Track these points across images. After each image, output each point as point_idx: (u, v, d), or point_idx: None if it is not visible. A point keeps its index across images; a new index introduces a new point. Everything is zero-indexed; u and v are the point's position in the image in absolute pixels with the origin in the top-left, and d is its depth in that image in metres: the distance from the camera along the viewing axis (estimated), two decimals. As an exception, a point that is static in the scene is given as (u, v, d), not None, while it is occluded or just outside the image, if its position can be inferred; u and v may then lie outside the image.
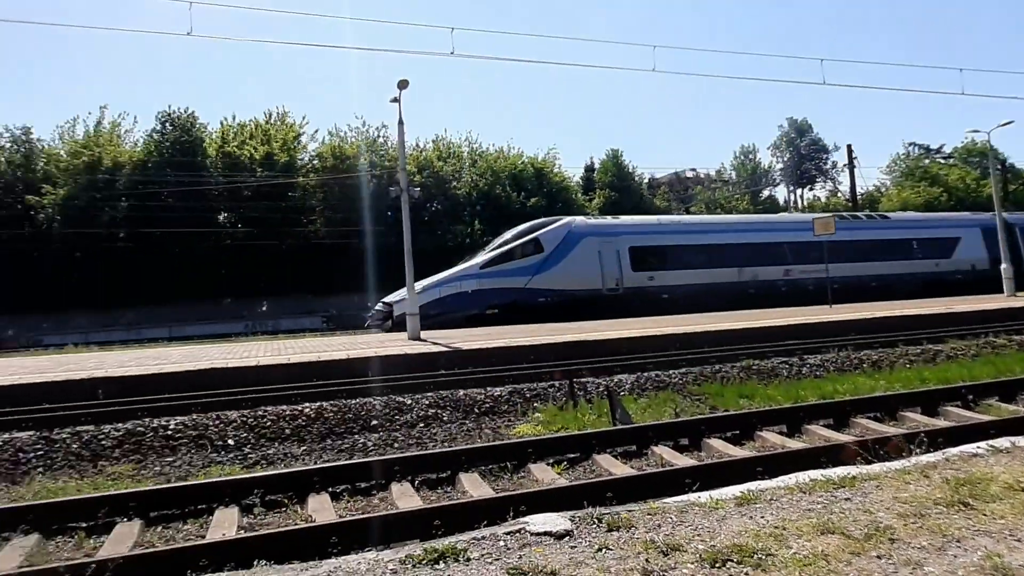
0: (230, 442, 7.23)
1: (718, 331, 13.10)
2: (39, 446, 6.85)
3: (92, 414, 7.73)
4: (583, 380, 9.57)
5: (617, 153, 49.63)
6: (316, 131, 42.64)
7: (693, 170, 61.60)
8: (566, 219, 24.11)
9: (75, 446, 6.92)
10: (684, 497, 3.92)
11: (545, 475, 5.56)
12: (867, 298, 22.81)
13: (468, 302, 21.25)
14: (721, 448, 6.25)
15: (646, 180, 53.60)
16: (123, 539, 4.43)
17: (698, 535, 3.16)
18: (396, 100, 16.22)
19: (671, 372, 10.26)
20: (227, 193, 37.39)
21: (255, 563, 3.33)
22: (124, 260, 32.62)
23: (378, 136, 42.14)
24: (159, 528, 4.74)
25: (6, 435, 7.05)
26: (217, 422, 7.60)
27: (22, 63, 65.49)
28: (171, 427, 7.41)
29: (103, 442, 7.03)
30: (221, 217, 37.64)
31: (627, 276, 22.60)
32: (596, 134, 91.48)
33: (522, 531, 3.34)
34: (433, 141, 44.16)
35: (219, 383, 9.60)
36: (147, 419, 7.61)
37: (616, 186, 47.61)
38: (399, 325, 19.87)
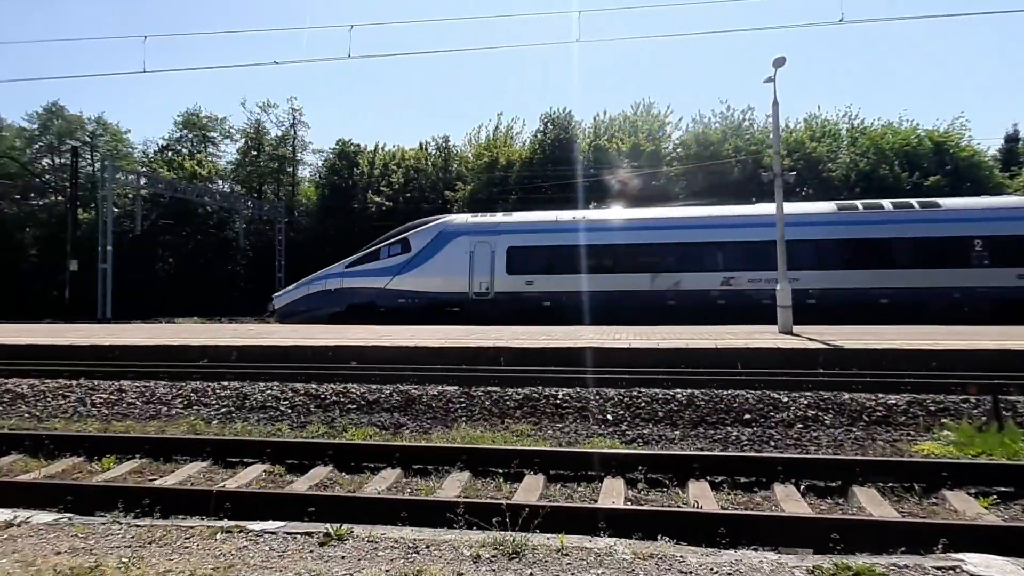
0: (608, 417, 7.78)
1: None
2: (462, 400, 8.35)
3: (498, 378, 9.12)
4: (1011, 398, 7.81)
5: (1059, 114, 38.80)
6: (680, 119, 42.93)
7: None
8: (445, 218, 22.84)
9: (487, 403, 8.24)
10: None
11: (967, 507, 4.68)
12: (873, 320, 16.47)
13: (330, 300, 21.22)
14: None
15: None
16: (531, 489, 5.12)
17: None
18: (771, 80, 15.31)
19: None
20: (596, 184, 40.16)
21: (658, 537, 3.51)
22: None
23: (743, 119, 40.59)
24: (558, 485, 5.35)
25: (440, 387, 8.77)
26: (597, 397, 8.25)
27: (442, 87, 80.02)
28: (559, 396, 8.30)
29: (507, 403, 8.23)
30: (592, 206, 40.68)
31: (499, 279, 20.26)
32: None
33: (957, 570, 2.87)
34: (804, 120, 40.75)
35: (594, 361, 10.42)
36: (540, 387, 8.66)
37: (1056, 156, 37.42)
38: (284, 317, 22.25)
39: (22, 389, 9.31)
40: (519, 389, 8.62)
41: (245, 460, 6.01)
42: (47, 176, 46.85)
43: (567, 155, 40.67)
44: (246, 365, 10.73)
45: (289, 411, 8.25)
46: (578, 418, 7.81)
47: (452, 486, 5.24)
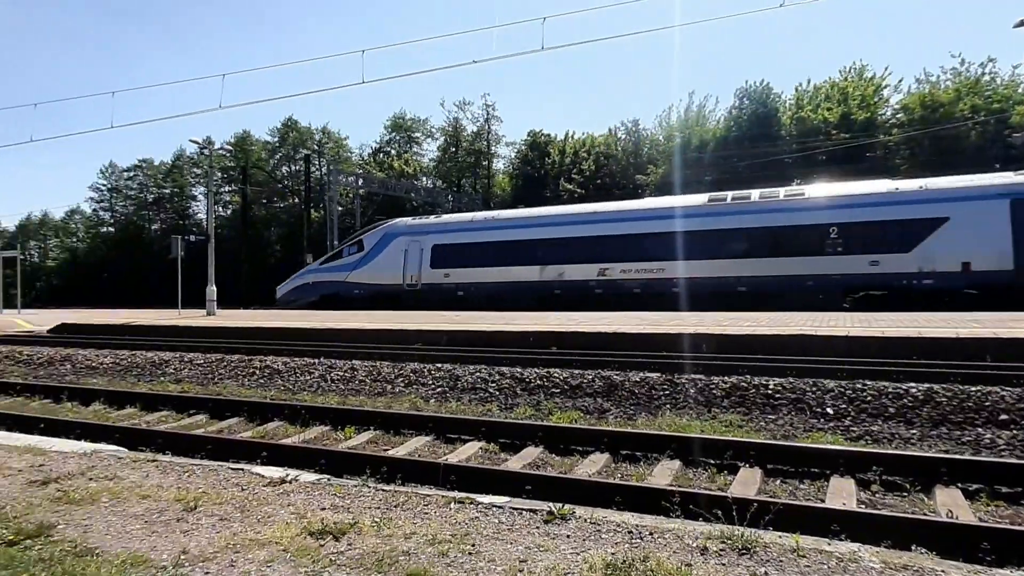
0: (828, 411, 7.17)
1: None
2: (666, 387, 8.21)
3: (703, 365, 8.81)
4: None
5: None
6: (900, 80, 37.94)
7: None
8: (392, 221, 26.50)
9: (692, 391, 8.02)
10: None
11: None
12: (731, 306, 16.74)
13: (308, 291, 25.27)
14: None
15: None
16: (748, 483, 4.89)
17: None
18: (1023, 23, 13.01)
19: None
20: (801, 160, 37.05)
21: (913, 547, 3.18)
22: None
23: (982, 74, 34.82)
24: (777, 481, 5.05)
25: (642, 374, 8.70)
26: (814, 388, 7.64)
27: (632, 70, 78.71)
28: (770, 387, 7.82)
29: (714, 391, 7.94)
30: (795, 183, 37.67)
31: (425, 273, 23.33)
32: None
33: None
34: (1067, 67, 33.93)
35: (807, 349, 9.66)
36: (748, 376, 8.23)
37: None
38: (283, 305, 26.50)
39: (277, 366, 10.86)
40: (725, 377, 8.26)
41: (462, 437, 6.46)
42: (286, 181, 53.99)
43: (766, 130, 38.02)
44: (455, 349, 11.50)
45: (497, 393, 8.70)
46: (793, 410, 7.31)
47: (663, 474, 5.18)
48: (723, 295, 18.21)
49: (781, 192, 19.92)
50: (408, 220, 26.52)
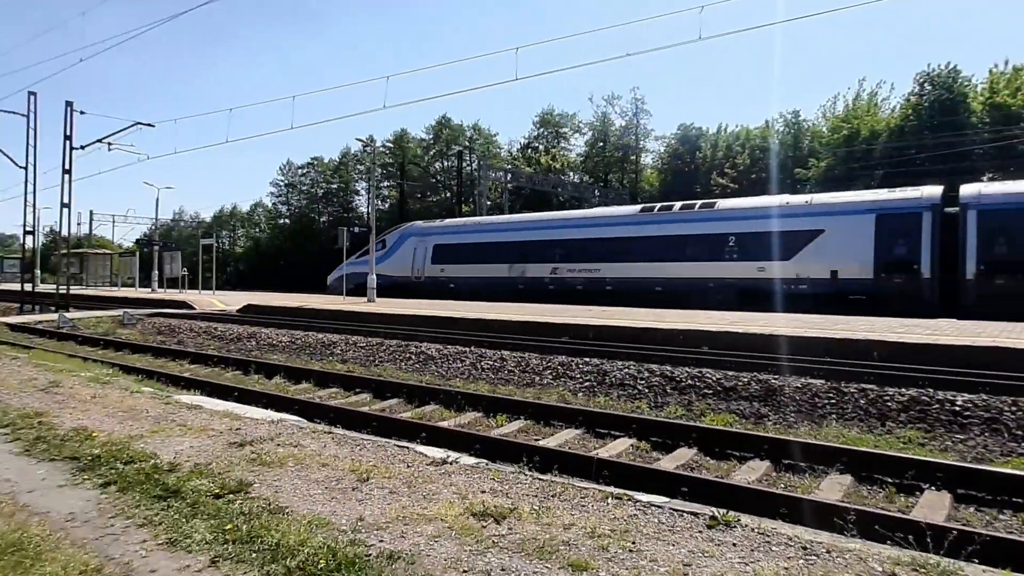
0: (1032, 435, 6.30)
1: None
2: (831, 395, 7.61)
3: (874, 375, 8.06)
4: None
5: None
6: None
7: None
8: (411, 223, 31.37)
9: (862, 402, 7.37)
10: None
11: None
12: (652, 303, 19.16)
13: (346, 281, 26.99)
14: None
15: None
16: (933, 507, 4.41)
17: None
18: None
19: None
20: (994, 151, 32.72)
21: None
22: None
23: None
24: (969, 508, 4.51)
25: (803, 380, 8.13)
26: (1014, 408, 6.73)
27: (794, 59, 73.60)
28: (958, 403, 7.00)
29: (888, 403, 7.24)
30: (985, 178, 33.37)
31: (428, 268, 27.67)
32: None
33: None
34: None
35: (1004, 364, 8.51)
36: (930, 389, 7.41)
37: None
38: (330, 292, 30.32)
39: (431, 352, 11.40)
40: (902, 389, 7.51)
41: (612, 432, 6.41)
42: (439, 177, 56.49)
43: (951, 119, 33.90)
44: (603, 344, 11.43)
45: (646, 390, 8.54)
46: (987, 431, 6.50)
47: (832, 488, 4.82)
48: (643, 294, 20.59)
49: (697, 204, 22.55)
50: (420, 223, 31.16)
